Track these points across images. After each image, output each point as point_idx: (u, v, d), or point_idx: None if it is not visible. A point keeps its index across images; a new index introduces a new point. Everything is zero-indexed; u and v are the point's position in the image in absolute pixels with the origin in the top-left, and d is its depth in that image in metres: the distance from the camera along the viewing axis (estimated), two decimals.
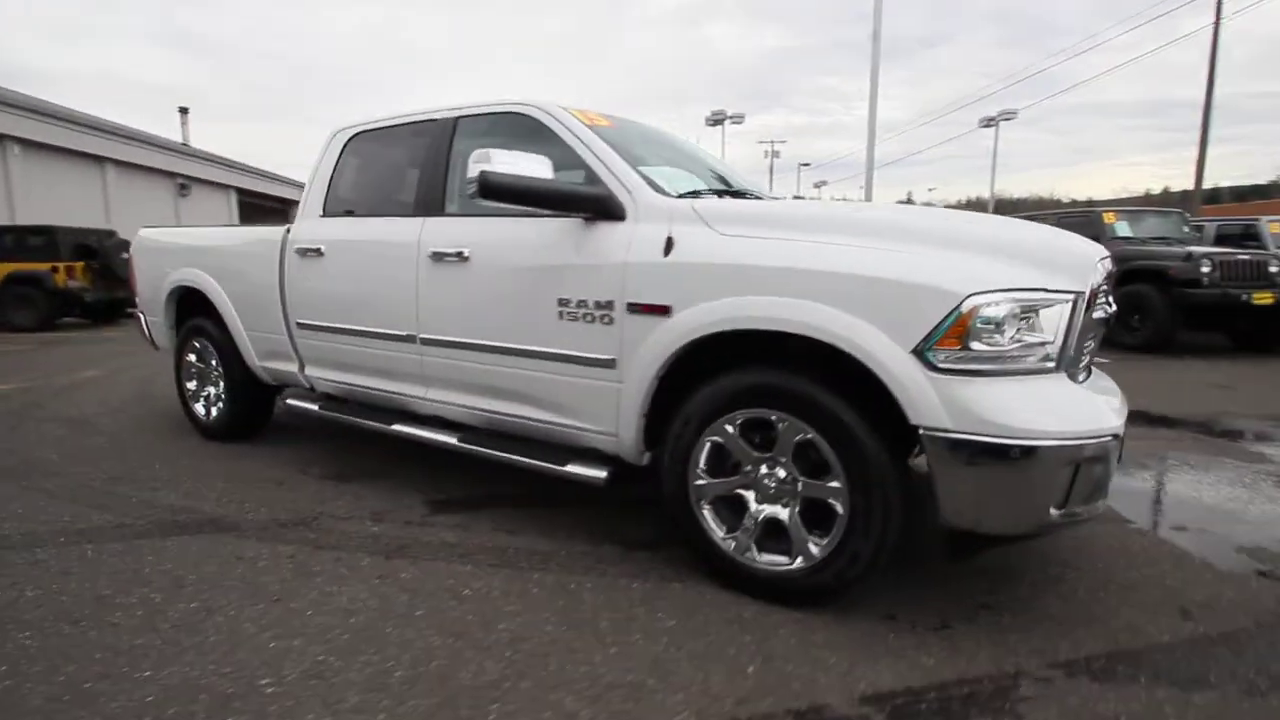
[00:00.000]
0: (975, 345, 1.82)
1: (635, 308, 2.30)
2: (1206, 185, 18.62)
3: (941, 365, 1.83)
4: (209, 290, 3.90)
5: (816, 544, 2.08)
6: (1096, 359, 2.45)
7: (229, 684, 1.76)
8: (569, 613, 2.12)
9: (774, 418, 2.10)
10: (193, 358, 4.25)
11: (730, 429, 2.19)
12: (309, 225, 3.43)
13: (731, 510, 2.27)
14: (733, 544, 2.23)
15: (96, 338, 10.08)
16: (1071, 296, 1.90)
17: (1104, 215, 8.50)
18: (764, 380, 2.10)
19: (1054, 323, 1.88)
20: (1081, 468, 1.84)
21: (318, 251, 3.32)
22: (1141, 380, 5.90)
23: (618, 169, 2.47)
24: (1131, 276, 7.55)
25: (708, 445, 2.25)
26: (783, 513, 2.16)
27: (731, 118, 25.10)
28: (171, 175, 20.37)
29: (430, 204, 2.98)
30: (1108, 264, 2.22)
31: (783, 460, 2.14)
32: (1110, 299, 2.32)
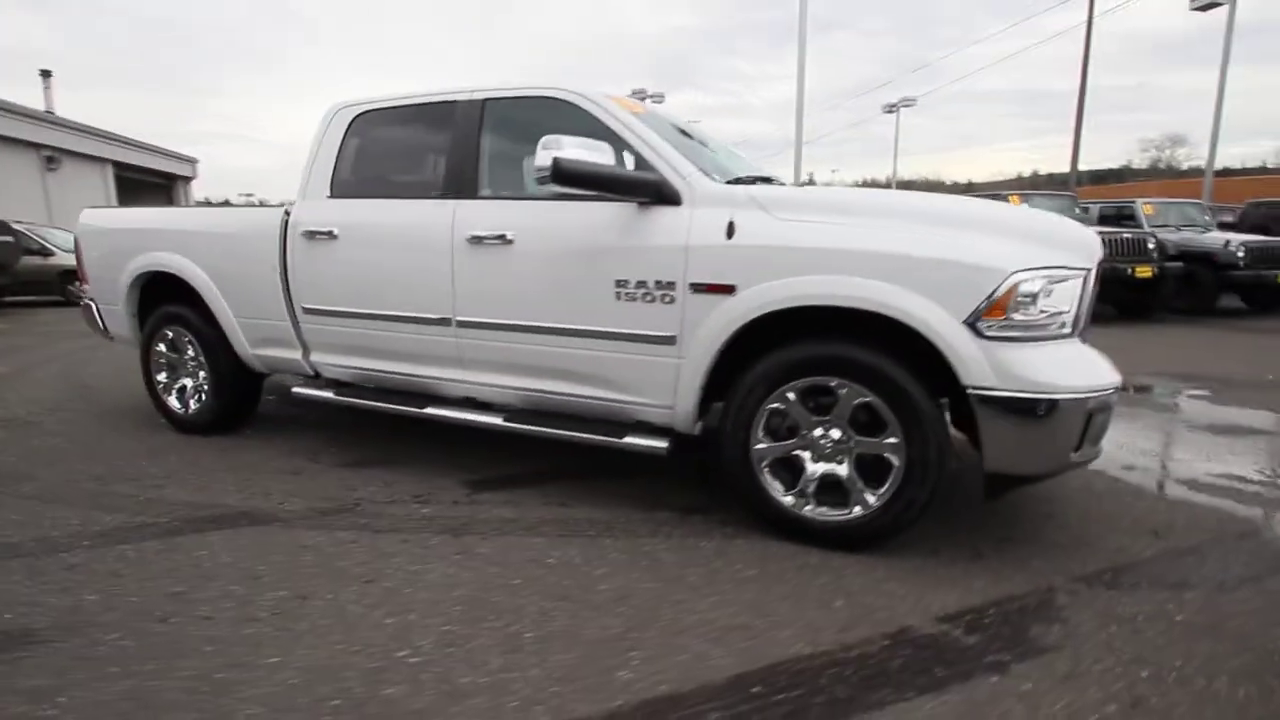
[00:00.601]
0: (1015, 316, 2.13)
1: (699, 287, 2.46)
2: (1066, 169, 20.68)
3: (988, 334, 2.13)
4: (190, 276, 3.67)
5: (874, 494, 2.35)
6: None
7: (367, 660, 1.81)
8: (655, 571, 2.29)
9: (834, 384, 2.35)
10: (163, 348, 3.99)
11: (791, 396, 2.41)
12: (315, 207, 3.32)
13: (788, 470, 2.51)
14: (792, 500, 2.48)
15: None
16: (1083, 272, 2.25)
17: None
18: (828, 351, 2.33)
19: (1071, 295, 2.22)
20: (1093, 416, 2.20)
21: (330, 234, 3.23)
22: None
23: (670, 157, 2.60)
24: None
25: (768, 412, 2.46)
26: (838, 469, 2.42)
27: (652, 96, 25.24)
28: (36, 147, 18.00)
29: (461, 186, 2.98)
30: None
31: (840, 422, 2.39)
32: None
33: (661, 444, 2.65)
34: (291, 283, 3.39)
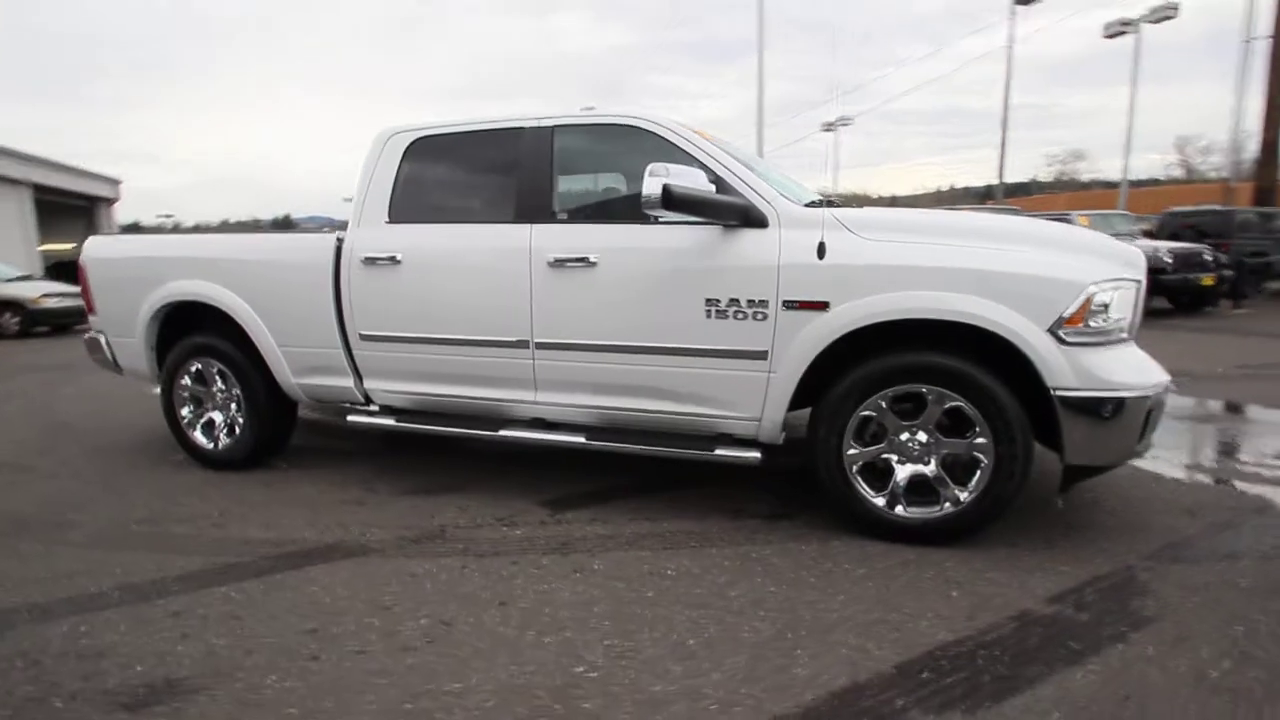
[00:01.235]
0: (1091, 323, 2.39)
1: (792, 304, 2.62)
2: (979, 183, 22.26)
3: (1069, 340, 2.38)
4: (227, 305, 3.55)
5: (963, 491, 2.55)
6: None
7: (547, 678, 1.84)
8: (773, 576, 2.41)
9: (924, 390, 2.54)
10: (187, 381, 3.82)
11: (883, 403, 2.59)
12: (374, 233, 3.29)
13: (875, 474, 2.68)
14: (883, 501, 2.65)
15: None
16: (1137, 284, 2.53)
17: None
18: (920, 360, 2.52)
19: (1129, 303, 2.50)
20: (1151, 411, 2.48)
21: (392, 260, 3.21)
22: None
23: (754, 182, 2.76)
24: None
25: (859, 419, 2.64)
26: (925, 470, 2.61)
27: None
28: None
29: (536, 211, 3.04)
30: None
31: (927, 426, 2.58)
32: None
33: (754, 454, 2.78)
34: (346, 309, 3.35)
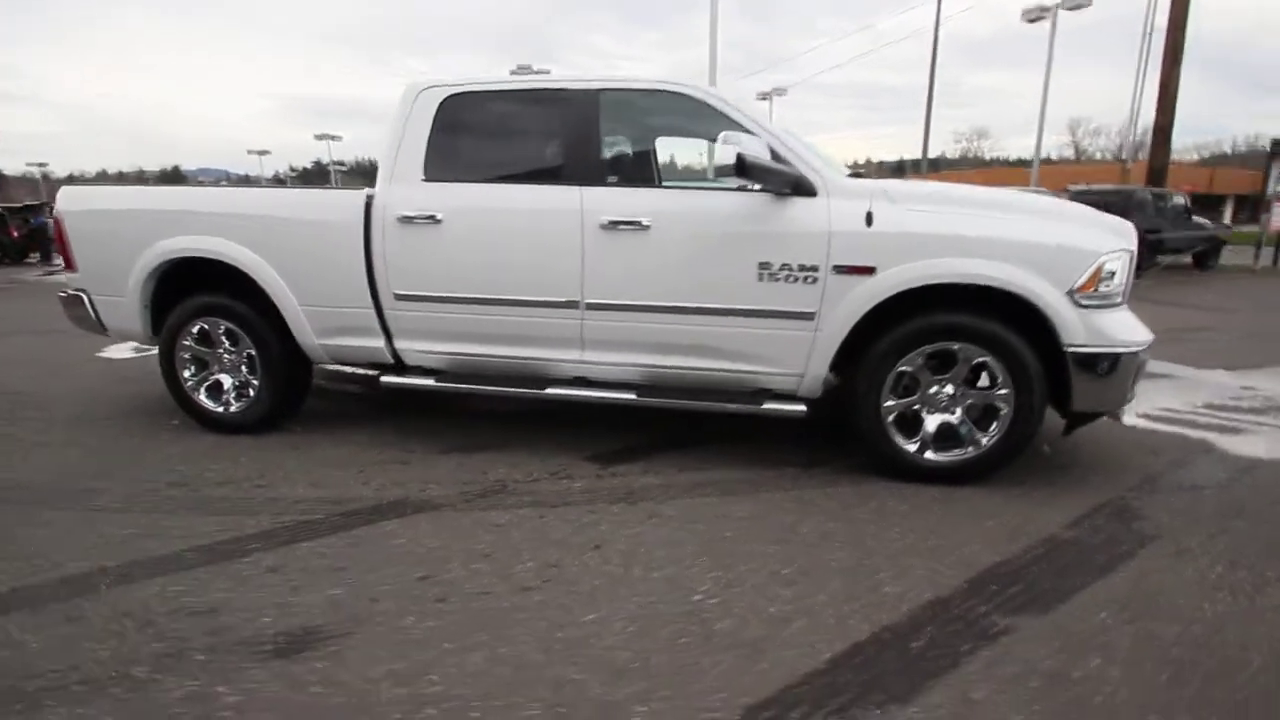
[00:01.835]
0: (1100, 288, 2.74)
1: (841, 269, 2.84)
2: (893, 157, 23.49)
3: (1082, 303, 2.72)
4: (244, 263, 3.40)
5: (986, 436, 2.89)
6: None
7: (672, 606, 2.02)
8: (831, 514, 2.67)
9: (956, 348, 2.84)
10: (189, 342, 3.64)
11: (920, 360, 2.88)
12: (409, 191, 3.23)
13: (907, 423, 2.98)
14: (915, 447, 2.96)
15: None
16: (1130, 253, 2.91)
17: None
18: (954, 320, 2.81)
19: (1125, 270, 2.87)
20: (1140, 365, 2.89)
21: (432, 219, 3.18)
22: None
23: (803, 153, 2.92)
24: None
25: (895, 373, 2.91)
26: (951, 418, 2.93)
27: (539, 72, 24.58)
28: None
29: (586, 174, 3.08)
30: None
31: (956, 379, 2.89)
32: None
33: (800, 408, 3.01)
34: (378, 269, 3.29)
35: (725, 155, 2.63)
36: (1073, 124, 58.43)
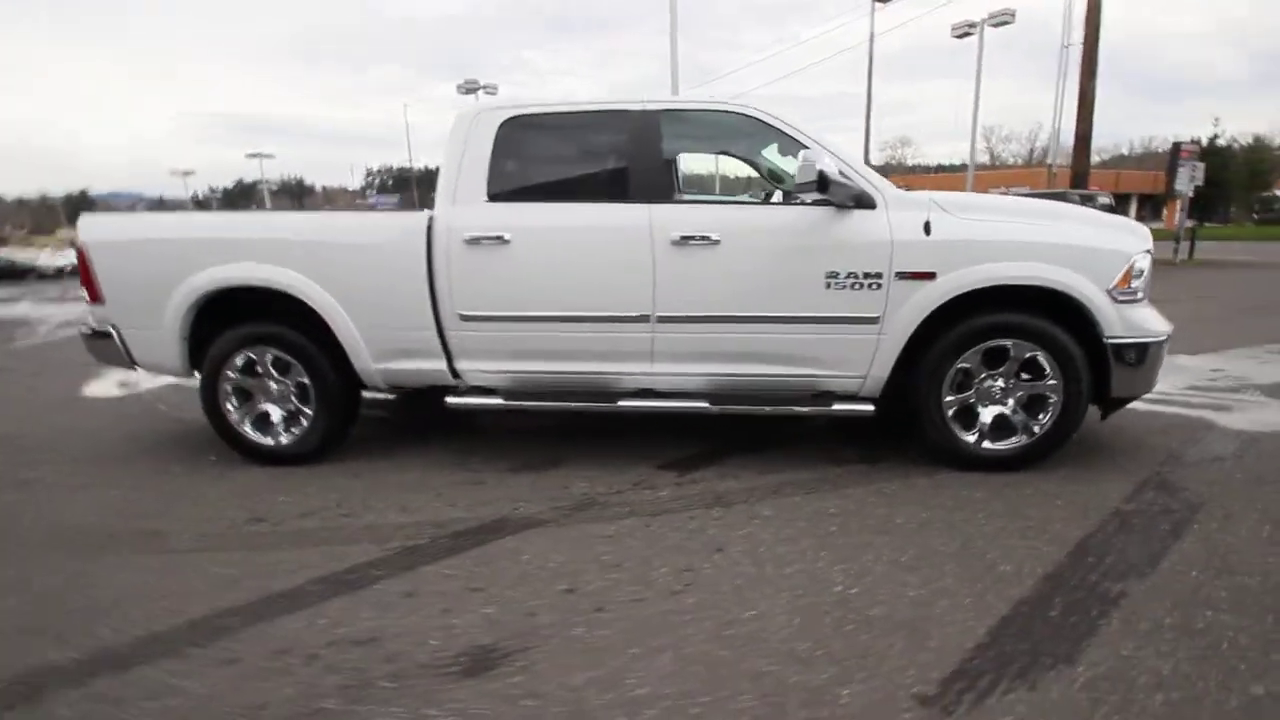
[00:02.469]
0: (1132, 285, 3.05)
1: (904, 275, 3.04)
2: None
3: (1119, 299, 3.02)
4: (299, 290, 3.33)
5: (1038, 425, 3.14)
6: None
7: (819, 597, 2.14)
8: (917, 504, 2.85)
9: (1009, 344, 3.08)
10: (234, 374, 3.53)
11: (976, 357, 3.11)
12: (474, 212, 3.26)
13: (964, 416, 3.20)
14: (973, 439, 3.18)
15: None
16: (1150, 253, 3.23)
17: None
18: (1008, 319, 3.05)
19: (1147, 269, 3.20)
20: (1165, 352, 3.21)
21: (499, 239, 3.22)
22: None
23: (861, 169, 3.13)
24: None
25: (954, 370, 3.13)
26: (1005, 410, 3.18)
27: (485, 88, 24.57)
28: None
29: (652, 191, 3.19)
30: None
31: (1008, 374, 3.13)
32: None
33: (869, 407, 3.20)
34: (442, 290, 3.30)
35: (807, 173, 2.80)
36: (986, 131, 62.32)
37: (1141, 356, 3.07)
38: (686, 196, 3.29)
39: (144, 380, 5.80)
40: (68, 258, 22.70)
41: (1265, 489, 2.91)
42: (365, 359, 3.44)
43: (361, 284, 3.35)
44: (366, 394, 3.68)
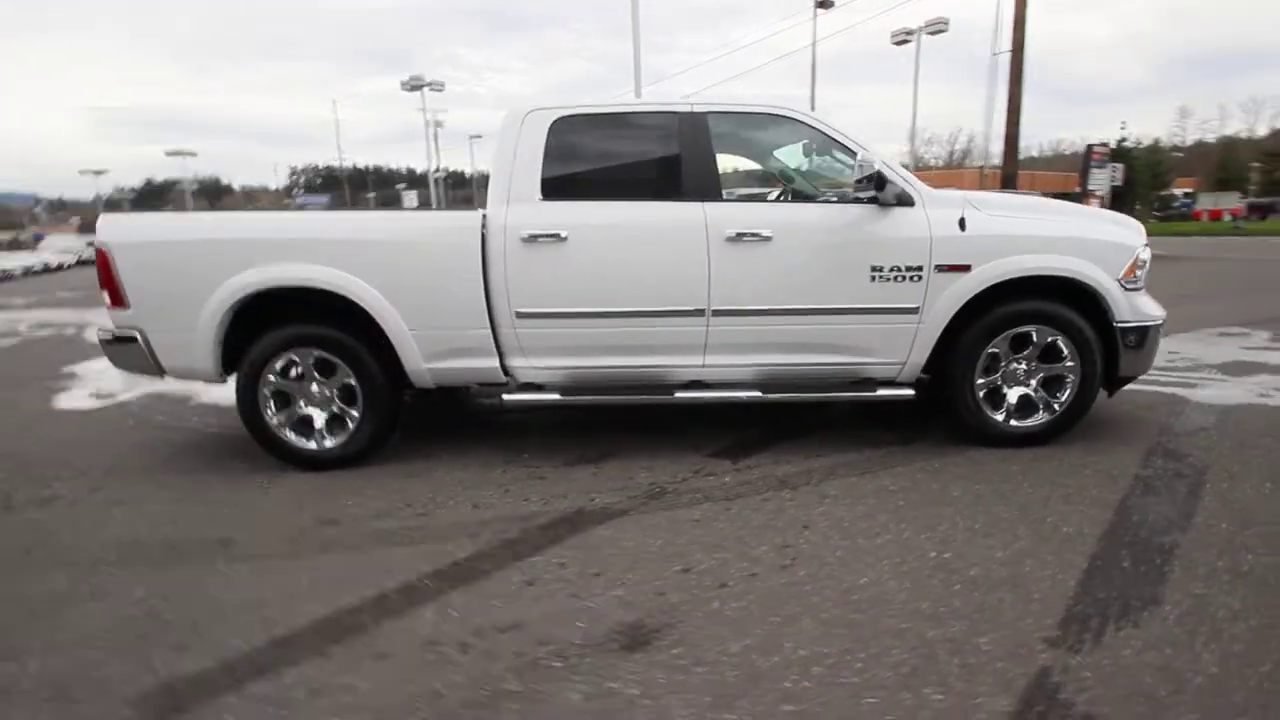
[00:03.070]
0: (1137, 274, 3.39)
1: (942, 268, 3.29)
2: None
3: (1127, 287, 3.36)
4: (349, 290, 3.28)
5: (1057, 404, 3.45)
6: None
7: (919, 564, 2.33)
8: (964, 478, 3.09)
9: (1033, 330, 3.37)
10: (274, 377, 3.44)
11: (1004, 342, 3.39)
12: (529, 210, 3.30)
13: (991, 397, 3.48)
14: (1001, 417, 3.46)
15: None
16: (1148, 245, 3.60)
17: None
18: (1034, 307, 3.34)
19: (1148, 259, 3.56)
20: (1161, 335, 3.58)
21: (556, 237, 3.27)
22: None
23: (899, 169, 3.35)
24: None
25: (984, 355, 3.40)
26: (1028, 390, 3.47)
27: (430, 84, 23.93)
28: None
29: (704, 190, 3.32)
30: None
31: (1031, 357, 3.43)
32: None
33: (909, 392, 3.43)
34: (497, 288, 3.32)
35: (867, 171, 3.01)
36: (910, 134, 65.43)
37: (1144, 339, 3.43)
38: (738, 194, 3.44)
39: (120, 390, 5.52)
40: None
41: (1252, 452, 3.30)
42: (416, 359, 3.42)
43: (414, 284, 3.34)
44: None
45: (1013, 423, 3.47)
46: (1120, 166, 18.05)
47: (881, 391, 3.44)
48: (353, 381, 3.44)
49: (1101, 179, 21.97)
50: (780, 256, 3.31)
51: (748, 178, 4.35)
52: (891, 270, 3.30)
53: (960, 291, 3.30)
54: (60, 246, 27.95)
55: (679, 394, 3.45)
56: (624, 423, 4.07)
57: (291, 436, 3.49)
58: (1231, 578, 2.18)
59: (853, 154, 3.34)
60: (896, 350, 3.41)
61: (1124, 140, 24.36)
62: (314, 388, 3.49)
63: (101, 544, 2.76)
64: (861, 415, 4.07)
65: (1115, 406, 4.12)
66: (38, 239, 32.26)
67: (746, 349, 3.42)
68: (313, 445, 3.50)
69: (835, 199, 3.45)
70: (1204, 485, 2.94)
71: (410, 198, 44.02)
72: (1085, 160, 23.54)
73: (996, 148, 18.93)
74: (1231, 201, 29.12)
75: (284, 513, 3.00)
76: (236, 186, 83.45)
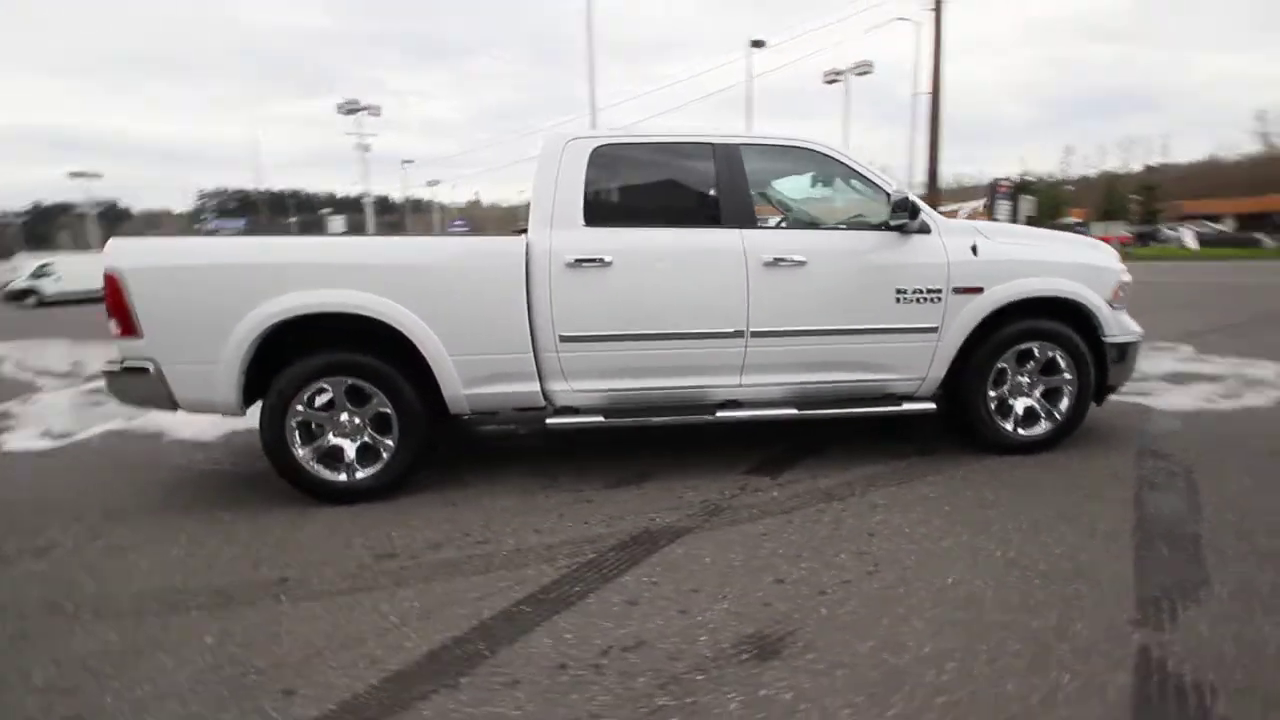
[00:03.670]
0: (1121, 295, 3.78)
1: (959, 290, 3.56)
2: None
3: (1114, 306, 3.74)
4: (389, 315, 3.21)
5: (1058, 413, 3.77)
6: None
7: (990, 561, 2.49)
8: (996, 485, 3.31)
9: (1035, 346, 3.69)
10: (302, 407, 3.29)
11: (1012, 358, 3.69)
12: (573, 236, 3.35)
13: (1001, 408, 3.76)
14: (1010, 427, 3.75)
15: None
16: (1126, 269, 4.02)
17: None
18: (1034, 325, 3.66)
19: (1129, 282, 3.96)
20: (1140, 348, 3.98)
21: (600, 261, 3.33)
22: None
23: (915, 199, 3.62)
24: None
25: (994, 370, 3.69)
26: (1032, 402, 3.78)
27: (367, 108, 23.37)
28: None
29: (742, 217, 3.48)
30: None
31: (1034, 371, 3.74)
32: None
33: (930, 405, 3.66)
34: (541, 312, 3.34)
35: (902, 202, 3.27)
36: None
37: (1126, 353, 3.82)
38: (764, 222, 3.61)
39: (72, 428, 5.09)
40: None
41: (1225, 450, 3.71)
42: (455, 385, 3.37)
43: (455, 308, 3.30)
44: None
45: (1020, 431, 3.77)
46: (1032, 198, 19.79)
47: (907, 406, 3.66)
48: (388, 410, 3.34)
49: (1007, 210, 23.79)
50: (813, 280, 3.49)
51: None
52: (914, 293, 3.55)
53: (975, 312, 3.59)
54: None
55: (720, 414, 3.55)
56: (646, 443, 4.12)
57: (318, 468, 3.34)
58: (1259, 557, 2.46)
59: (872, 185, 3.60)
60: (917, 366, 3.64)
61: (1025, 174, 26.75)
62: (343, 417, 3.36)
63: (135, 594, 2.55)
64: (873, 430, 4.28)
65: (1093, 414, 4.51)
66: None
67: (780, 368, 3.57)
68: (343, 477, 3.36)
69: (844, 228, 3.69)
70: (1196, 481, 3.28)
71: (337, 223, 42.54)
72: (991, 193, 25.58)
73: (919, 179, 20.37)
74: (1119, 230, 32.37)
75: (330, 548, 2.86)
76: (134, 211, 78.24)
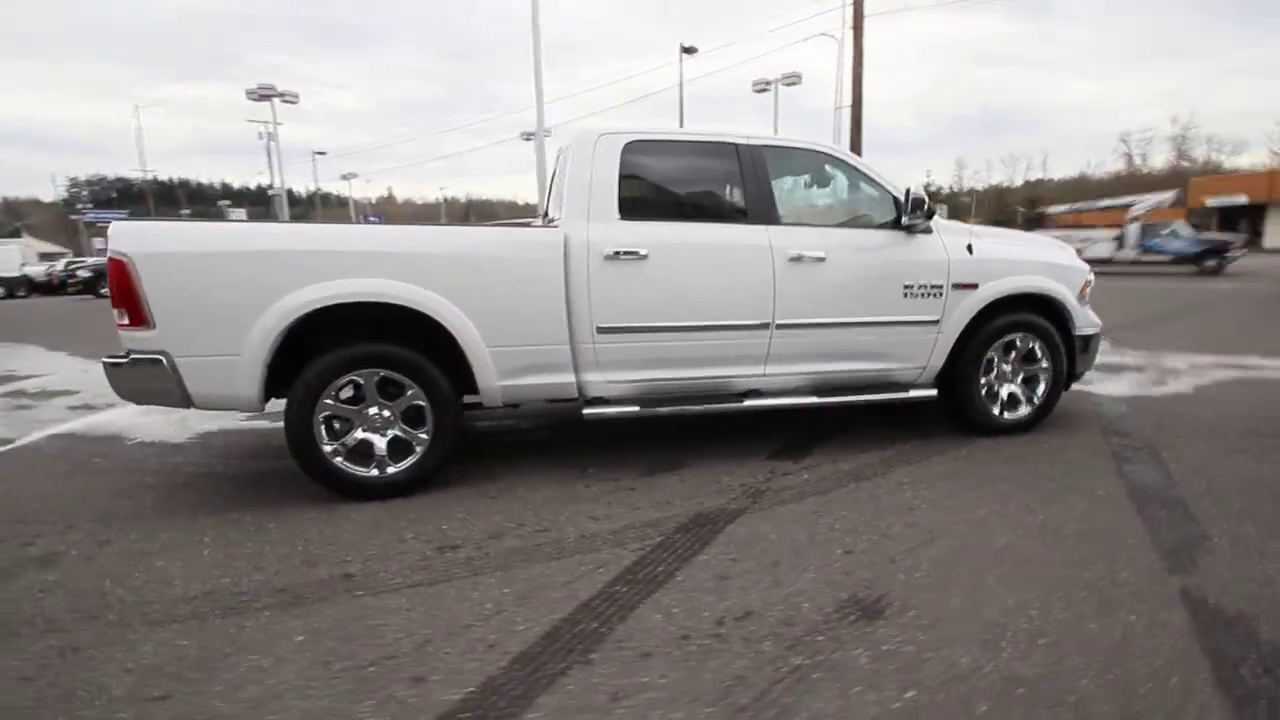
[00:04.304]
0: (1086, 292, 4.24)
1: (958, 286, 3.88)
2: None
3: (1081, 303, 4.19)
4: (428, 306, 3.14)
5: (1036, 398, 4.17)
6: None
7: (1026, 529, 2.75)
8: (997, 465, 3.63)
9: (1018, 338, 4.07)
10: (332, 401, 3.16)
11: (1000, 348, 4.05)
12: (610, 229, 3.40)
13: (989, 394, 4.12)
14: (998, 412, 4.11)
15: None
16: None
17: None
18: (1020, 317, 4.03)
19: (1093, 280, 4.43)
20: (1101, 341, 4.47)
21: (636, 254, 3.39)
22: None
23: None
24: None
25: (986, 359, 4.04)
26: (1015, 388, 4.16)
27: (284, 95, 21.90)
28: None
29: (765, 215, 3.64)
30: None
31: (1017, 359, 4.13)
32: None
33: (932, 392, 3.96)
34: (578, 303, 3.36)
35: (918, 202, 3.53)
36: None
37: (1090, 344, 4.28)
38: (787, 220, 3.79)
39: (11, 432, 4.61)
40: None
41: (1173, 428, 4.23)
42: (491, 376, 3.33)
43: (493, 299, 3.27)
44: None
45: (1005, 415, 4.14)
46: (944, 207, 21.26)
47: (914, 393, 3.94)
48: (422, 403, 3.26)
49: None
50: (833, 275, 3.70)
51: None
52: (920, 288, 3.83)
53: (971, 305, 3.92)
54: None
55: (747, 402, 3.69)
56: (651, 434, 4.21)
57: (345, 464, 3.22)
58: (1239, 515, 2.85)
59: (880, 187, 3.86)
60: (920, 356, 3.94)
61: (928, 185, 28.86)
62: (372, 410, 3.26)
63: (182, 598, 2.39)
64: (869, 418, 4.56)
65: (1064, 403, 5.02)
66: None
67: (800, 358, 3.76)
68: (374, 472, 3.24)
69: (856, 226, 3.94)
70: (1160, 454, 3.73)
71: (239, 215, 39.83)
72: None
73: None
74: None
75: (382, 543, 2.77)
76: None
